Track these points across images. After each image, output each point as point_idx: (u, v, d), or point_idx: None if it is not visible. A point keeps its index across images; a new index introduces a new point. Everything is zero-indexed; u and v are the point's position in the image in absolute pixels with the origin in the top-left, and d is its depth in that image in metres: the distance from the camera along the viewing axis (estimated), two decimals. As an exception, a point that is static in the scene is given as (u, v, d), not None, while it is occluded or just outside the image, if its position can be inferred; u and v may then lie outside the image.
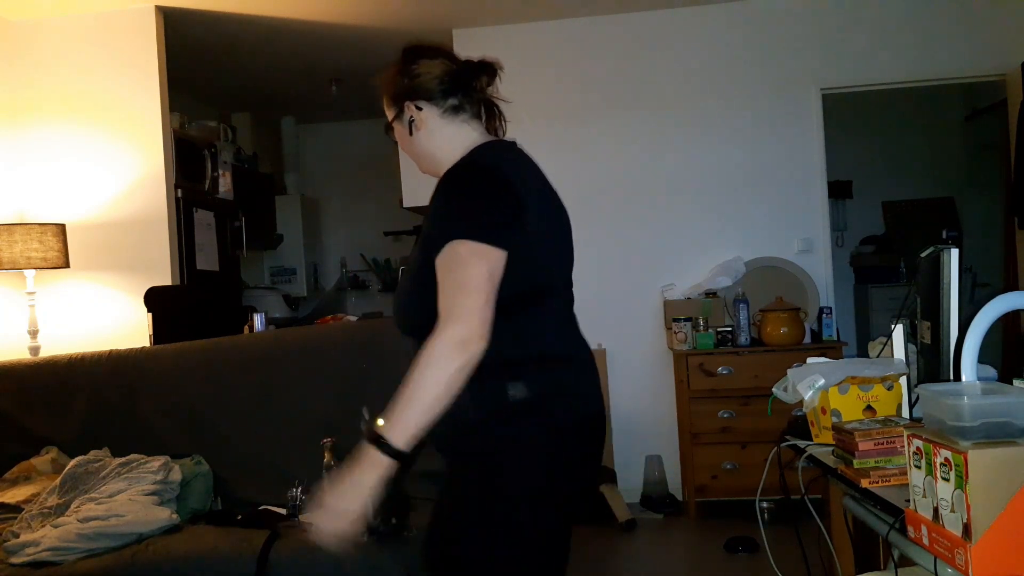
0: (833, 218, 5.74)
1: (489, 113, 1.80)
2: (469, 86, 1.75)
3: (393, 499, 2.51)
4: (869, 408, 1.93)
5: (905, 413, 1.95)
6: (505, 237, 1.57)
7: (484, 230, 1.55)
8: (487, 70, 1.76)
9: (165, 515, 2.79)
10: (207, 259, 4.81)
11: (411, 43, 1.79)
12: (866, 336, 6.16)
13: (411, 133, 1.76)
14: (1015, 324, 4.66)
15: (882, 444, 1.66)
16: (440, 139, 1.75)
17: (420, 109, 1.74)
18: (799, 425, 2.13)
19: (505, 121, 1.83)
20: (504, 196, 1.61)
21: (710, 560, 3.95)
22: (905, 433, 1.43)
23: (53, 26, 4.38)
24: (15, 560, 2.60)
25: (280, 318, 5.95)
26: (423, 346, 1.50)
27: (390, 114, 1.80)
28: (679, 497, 4.78)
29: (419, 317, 1.62)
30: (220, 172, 5.07)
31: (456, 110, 1.75)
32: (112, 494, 2.83)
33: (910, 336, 2.03)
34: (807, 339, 4.51)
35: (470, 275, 1.52)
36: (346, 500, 1.51)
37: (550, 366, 1.66)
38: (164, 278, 4.26)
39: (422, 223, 1.74)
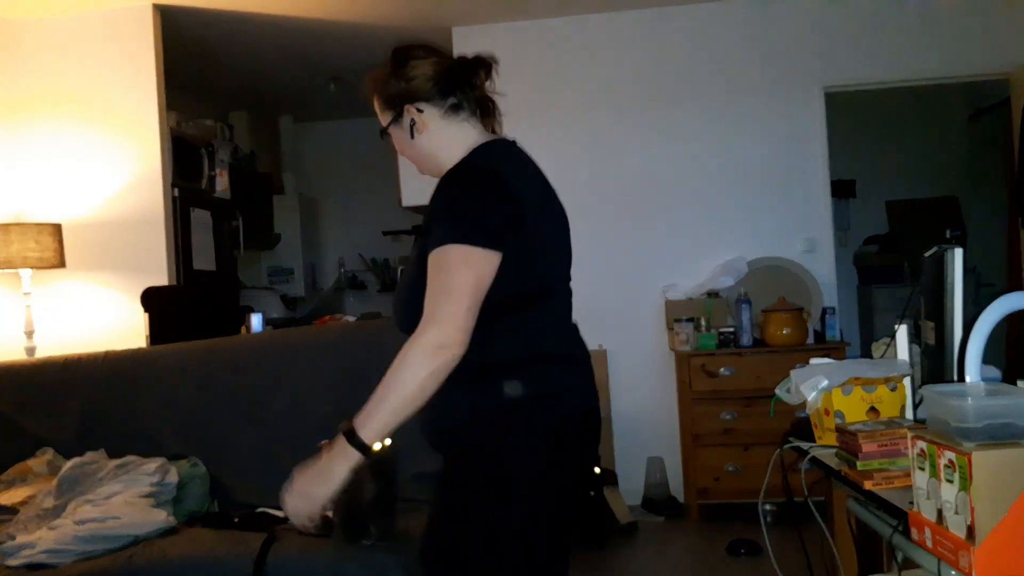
0: (836, 218, 5.72)
1: (485, 110, 1.78)
2: (467, 83, 1.73)
3: (385, 502, 2.49)
4: (873, 409, 1.92)
5: (909, 414, 1.94)
6: (501, 240, 1.57)
7: (478, 234, 1.56)
8: (483, 65, 1.74)
9: (162, 517, 2.78)
10: (204, 259, 4.79)
11: (400, 44, 1.77)
12: (870, 337, 6.14)
13: (412, 136, 1.74)
14: (1019, 325, 4.63)
15: (886, 446, 1.66)
16: (442, 139, 1.74)
17: (421, 111, 1.72)
18: (802, 427, 2.12)
19: (501, 116, 1.81)
20: (502, 198, 1.61)
21: (712, 563, 3.94)
22: (909, 435, 1.43)
23: (50, 25, 4.37)
24: (11, 562, 2.59)
25: (278, 318, 5.93)
26: (406, 345, 1.54)
27: (385, 118, 1.77)
28: (681, 499, 4.76)
29: (418, 317, 1.63)
30: (217, 171, 5.05)
31: (456, 109, 1.73)
32: (108, 496, 2.82)
33: (914, 337, 2.02)
34: (810, 340, 4.50)
35: (456, 281, 1.54)
36: (314, 485, 1.58)
37: (550, 365, 1.68)
38: (161, 278, 4.25)
39: (422, 223, 1.74)
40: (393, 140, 1.79)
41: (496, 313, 1.58)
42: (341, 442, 1.55)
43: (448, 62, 1.75)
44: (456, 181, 1.65)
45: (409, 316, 1.69)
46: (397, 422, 1.54)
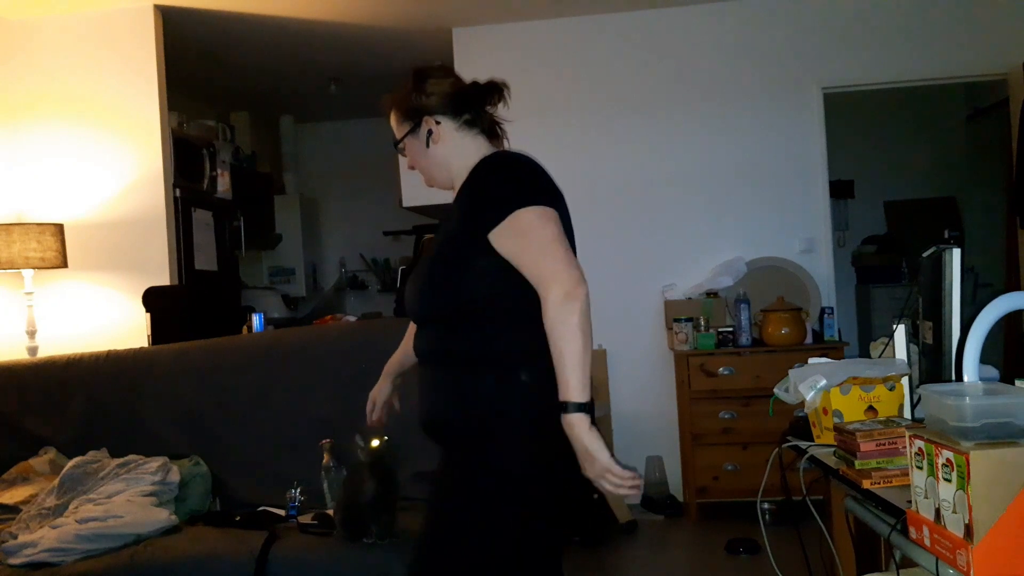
0: (835, 218, 5.73)
1: (493, 133, 1.89)
2: (480, 104, 1.85)
3: (385, 502, 2.50)
4: (871, 409, 1.92)
5: (907, 414, 1.94)
6: (555, 205, 1.69)
7: (538, 195, 1.68)
8: (496, 90, 1.86)
9: (163, 516, 2.78)
10: (205, 259, 4.80)
11: (420, 65, 1.89)
12: (868, 336, 6.14)
13: (428, 145, 1.85)
14: (1017, 324, 4.64)
15: (884, 445, 1.65)
16: (456, 149, 1.85)
17: (438, 123, 1.84)
18: (800, 426, 2.12)
19: (508, 141, 1.92)
20: (544, 179, 1.75)
21: (711, 562, 3.94)
22: (907, 434, 1.43)
23: (51, 25, 4.37)
24: (13, 561, 2.59)
25: (279, 318, 5.94)
26: (545, 313, 1.60)
27: (402, 130, 1.88)
28: (680, 498, 4.77)
29: (437, 307, 1.73)
30: (218, 171, 5.05)
31: (469, 124, 1.86)
32: (110, 495, 2.83)
33: (912, 336, 2.02)
34: (809, 339, 4.49)
35: (543, 234, 1.65)
36: (595, 464, 1.58)
37: None
38: (162, 278, 4.25)
39: (448, 219, 1.83)
40: (407, 151, 1.89)
41: (512, 304, 1.65)
42: (568, 420, 1.59)
43: (464, 84, 1.87)
44: (497, 168, 1.77)
45: (424, 300, 1.78)
46: (588, 370, 1.60)
